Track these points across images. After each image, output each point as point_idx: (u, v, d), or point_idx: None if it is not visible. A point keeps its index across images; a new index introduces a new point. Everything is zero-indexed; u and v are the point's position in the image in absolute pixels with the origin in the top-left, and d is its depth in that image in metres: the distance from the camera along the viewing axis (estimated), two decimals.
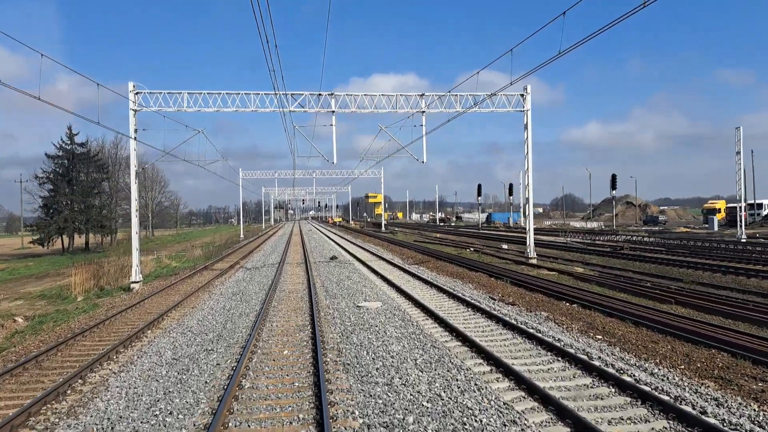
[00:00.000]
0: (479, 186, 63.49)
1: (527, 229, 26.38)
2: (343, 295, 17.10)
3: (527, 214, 26.60)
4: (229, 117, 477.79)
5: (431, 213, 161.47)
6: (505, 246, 35.69)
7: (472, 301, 14.90)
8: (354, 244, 42.60)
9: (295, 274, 23.99)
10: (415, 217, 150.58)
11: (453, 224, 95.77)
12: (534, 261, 25.39)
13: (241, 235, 63.21)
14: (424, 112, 24.58)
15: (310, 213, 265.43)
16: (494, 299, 15.81)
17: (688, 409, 6.92)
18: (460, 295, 16.19)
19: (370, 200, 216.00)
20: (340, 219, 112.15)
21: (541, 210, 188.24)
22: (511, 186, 66.59)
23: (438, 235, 54.45)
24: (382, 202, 74.41)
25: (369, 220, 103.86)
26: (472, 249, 34.16)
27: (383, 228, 69.75)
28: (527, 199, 27.18)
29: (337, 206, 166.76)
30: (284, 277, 22.73)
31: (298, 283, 20.72)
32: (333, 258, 29.71)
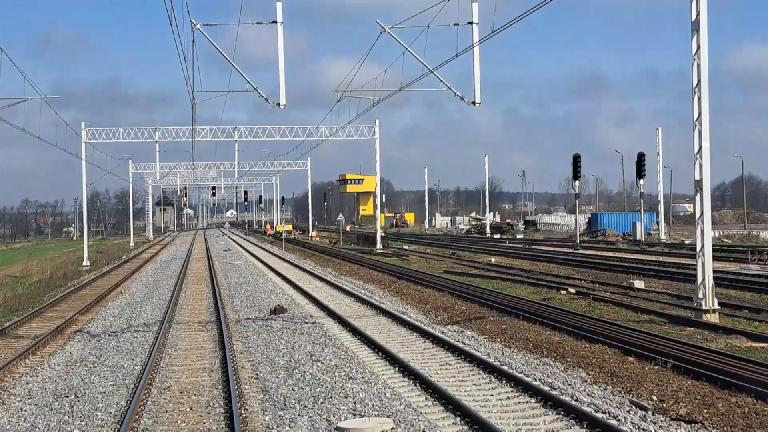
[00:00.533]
0: (575, 159, 60.87)
1: (700, 247, 24.37)
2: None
3: (702, 217, 24.22)
4: (69, 24, 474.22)
5: (473, 214, 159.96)
6: (638, 284, 33.96)
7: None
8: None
9: None
10: (440, 220, 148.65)
11: (520, 234, 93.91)
12: (713, 317, 23.49)
13: (85, 261, 61.19)
14: None
15: (228, 215, 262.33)
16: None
17: None
18: None
19: (350, 188, 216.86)
20: (290, 227, 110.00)
21: (689, 207, 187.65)
22: (641, 158, 64.17)
23: (494, 260, 52.59)
24: (378, 191, 70.99)
25: (351, 226, 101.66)
26: (569, 291, 32.44)
27: (379, 244, 67.85)
28: (699, 183, 24.84)
29: (282, 200, 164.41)
30: None
31: None
32: None
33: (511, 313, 26.56)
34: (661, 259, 50.61)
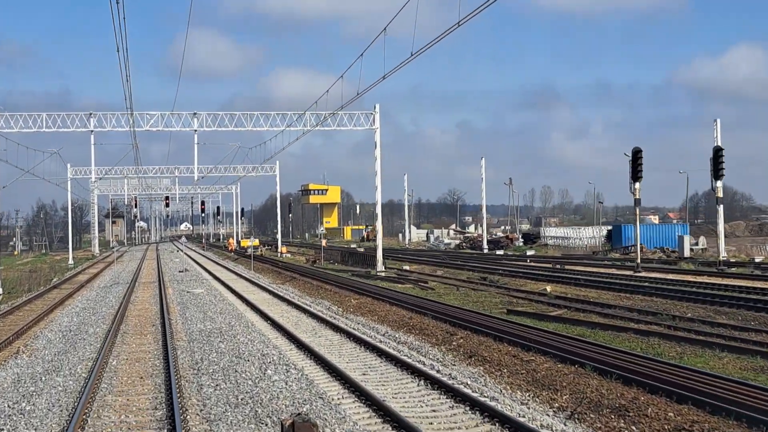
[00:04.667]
0: (635, 154, 47.18)
1: None
2: None
3: None
4: (18, 34, 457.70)
5: (452, 226, 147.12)
6: None
7: None
8: None
9: None
10: (417, 234, 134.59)
11: (530, 251, 79.87)
12: None
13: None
14: None
15: (183, 227, 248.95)
16: None
17: None
18: None
19: (313, 198, 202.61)
20: (256, 242, 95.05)
21: (654, 220, 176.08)
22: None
23: (549, 289, 38.40)
24: (379, 198, 55.58)
25: (325, 243, 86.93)
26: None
27: (380, 265, 53.31)
28: None
29: (242, 212, 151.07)
30: None
31: None
32: None
33: None
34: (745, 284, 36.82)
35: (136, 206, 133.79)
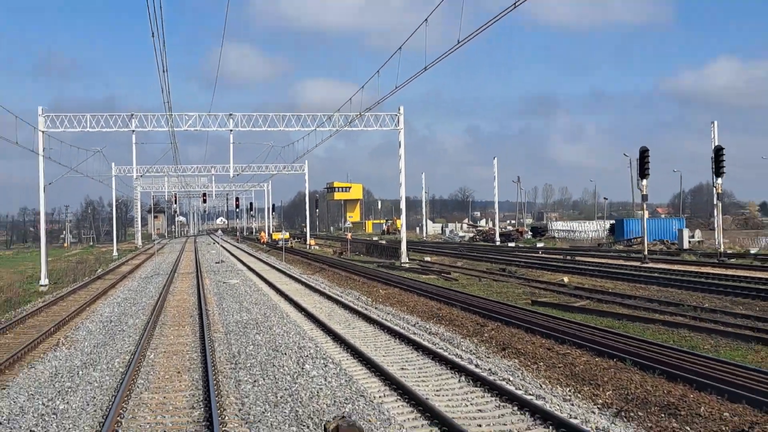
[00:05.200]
0: (643, 155, 44.92)
1: None
2: None
3: None
4: (69, 51, 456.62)
5: (465, 220, 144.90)
6: None
7: None
8: None
9: None
10: (433, 228, 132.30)
11: (540, 243, 77.60)
12: None
13: (42, 279, 44.08)
14: None
15: (219, 222, 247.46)
16: None
17: None
18: None
19: (337, 195, 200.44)
20: (287, 235, 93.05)
21: (662, 213, 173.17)
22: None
23: (567, 279, 36.45)
24: (403, 193, 52.94)
25: (350, 235, 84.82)
26: None
27: (405, 256, 51.30)
28: None
29: (273, 207, 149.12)
30: None
31: None
32: None
33: None
34: None
35: (175, 202, 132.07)
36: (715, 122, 54.77)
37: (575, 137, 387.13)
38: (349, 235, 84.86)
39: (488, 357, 18.47)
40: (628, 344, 18.14)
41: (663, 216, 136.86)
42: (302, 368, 17.07)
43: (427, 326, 23.68)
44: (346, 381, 15.69)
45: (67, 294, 38.01)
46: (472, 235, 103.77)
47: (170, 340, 22.14)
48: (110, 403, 14.37)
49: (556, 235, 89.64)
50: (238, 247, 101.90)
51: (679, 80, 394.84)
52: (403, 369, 16.91)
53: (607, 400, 14.08)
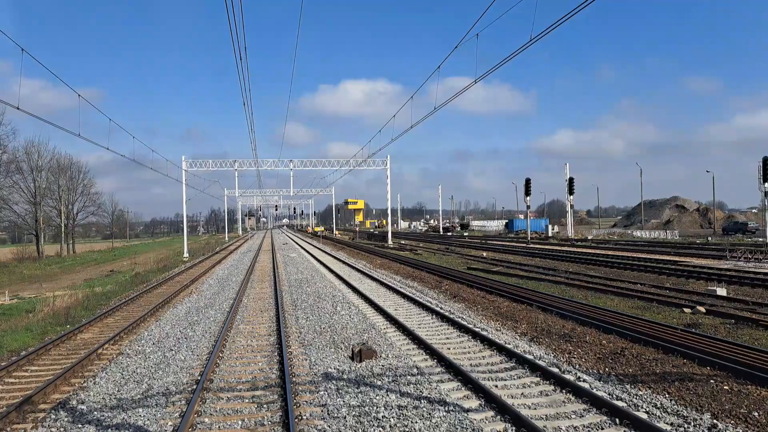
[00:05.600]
0: (527, 182, 43.98)
1: None
2: None
3: None
4: (199, 125, 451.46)
5: (422, 221, 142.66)
6: (721, 291, 16.28)
7: None
8: (381, 283, 22.35)
9: None
10: (403, 225, 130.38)
11: (466, 233, 75.97)
12: None
13: (185, 254, 42.27)
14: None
15: (284, 221, 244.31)
16: None
17: None
18: None
19: (350, 206, 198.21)
20: (322, 228, 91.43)
21: (533, 216, 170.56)
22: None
23: (486, 254, 34.86)
24: (390, 205, 51.76)
25: (358, 228, 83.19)
26: (697, 309, 14.79)
27: (390, 240, 49.55)
28: None
29: (315, 213, 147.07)
30: None
31: None
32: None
33: (672, 351, 8.89)
34: (609, 252, 33.21)
35: (260, 210, 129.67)
36: (567, 164, 53.39)
37: (481, 173, 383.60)
38: (357, 229, 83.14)
39: (446, 302, 16.98)
40: (530, 295, 16.64)
41: (532, 217, 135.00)
42: (335, 309, 15.52)
43: (407, 282, 22.17)
44: (362, 318, 14.17)
45: (198, 262, 36.31)
46: (426, 228, 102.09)
47: (257, 291, 20.50)
48: (220, 331, 12.80)
49: (474, 228, 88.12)
50: (294, 235, 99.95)
51: (539, 143, 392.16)
52: (396, 310, 15.36)
53: (524, 331, 12.62)
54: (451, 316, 13.97)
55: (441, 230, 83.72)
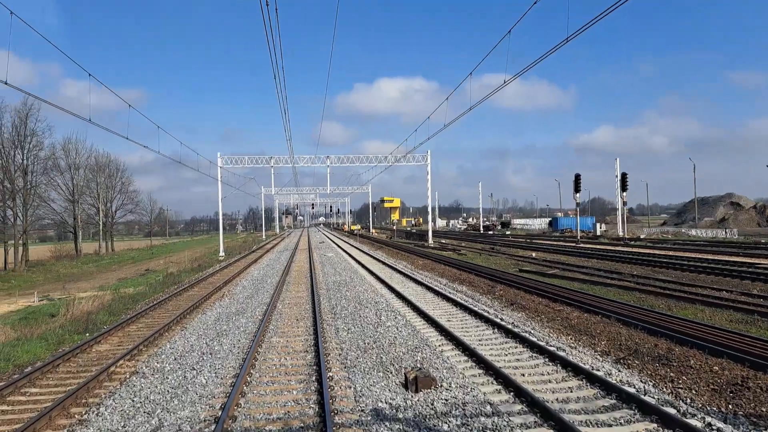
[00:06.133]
0: (577, 178, 41.14)
1: None
2: None
3: None
4: (236, 125, 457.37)
5: (459, 219, 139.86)
6: None
7: None
8: (434, 292, 20.37)
9: None
10: (440, 223, 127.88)
11: (508, 231, 73.24)
12: None
13: (221, 252, 41.25)
14: None
15: (320, 219, 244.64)
16: None
17: None
18: None
19: (386, 204, 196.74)
20: (358, 227, 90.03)
21: (571, 214, 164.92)
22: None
23: (535, 255, 32.44)
24: (430, 203, 49.10)
25: (395, 227, 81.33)
26: None
27: (431, 240, 47.48)
28: None
29: (351, 211, 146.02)
30: None
31: None
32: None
33: None
34: (670, 253, 30.26)
35: (296, 208, 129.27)
36: (618, 159, 50.34)
37: (519, 170, 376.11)
38: (395, 227, 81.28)
39: (504, 311, 14.93)
40: (602, 304, 14.40)
41: (571, 215, 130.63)
42: (379, 320, 13.66)
43: (454, 286, 20.15)
44: (412, 331, 12.24)
45: (234, 261, 35.12)
46: (465, 227, 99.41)
47: (292, 294, 18.84)
48: (251, 341, 11.12)
49: (516, 227, 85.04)
50: (330, 233, 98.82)
51: (578, 140, 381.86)
52: (449, 321, 13.41)
53: (604, 349, 10.50)
54: (515, 329, 11.94)
55: (481, 229, 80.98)
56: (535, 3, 10.88)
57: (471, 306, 15.07)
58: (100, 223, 56.66)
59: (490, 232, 73.63)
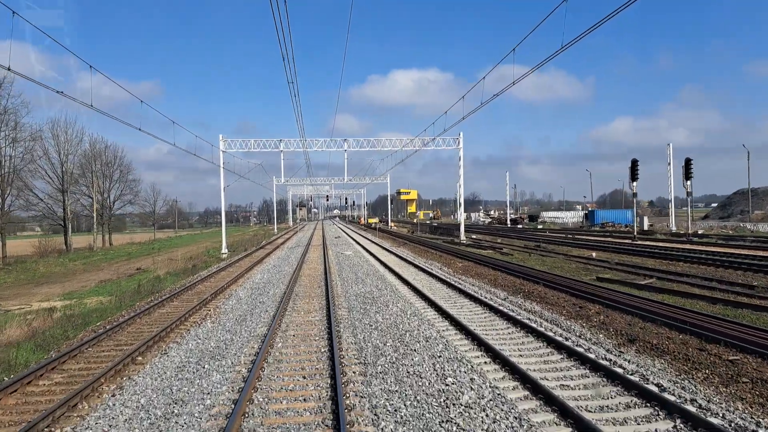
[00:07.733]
0: (633, 164, 35.18)
1: None
2: None
3: None
4: (252, 119, 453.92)
5: (481, 211, 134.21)
6: None
7: None
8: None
9: None
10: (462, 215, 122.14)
11: (540, 225, 67.35)
12: None
13: (223, 249, 36.17)
14: None
15: (335, 212, 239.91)
16: None
17: None
18: None
19: (402, 196, 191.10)
20: (377, 220, 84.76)
21: (592, 207, 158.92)
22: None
23: (595, 255, 26.80)
24: (461, 192, 43.79)
25: (416, 220, 75.90)
26: None
27: (463, 236, 42.01)
28: None
29: (366, 203, 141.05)
30: None
31: None
32: None
33: None
34: (760, 253, 24.33)
35: (311, 200, 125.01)
36: (670, 144, 44.41)
37: (535, 162, 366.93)
38: (416, 220, 75.95)
39: (620, 351, 9.52)
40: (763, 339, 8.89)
41: (593, 208, 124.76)
42: (444, 380, 8.24)
43: (522, 303, 14.72)
44: (514, 418, 6.82)
45: (237, 260, 30.03)
46: (489, 220, 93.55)
47: (303, 307, 13.56)
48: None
49: (546, 220, 78.93)
50: (346, 227, 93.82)
51: (595, 132, 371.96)
52: (543, 376, 8.00)
53: None
54: (678, 401, 6.47)
55: (508, 222, 75.19)
56: None
57: (571, 345, 9.65)
58: (94, 215, 51.87)
59: (519, 226, 67.82)
